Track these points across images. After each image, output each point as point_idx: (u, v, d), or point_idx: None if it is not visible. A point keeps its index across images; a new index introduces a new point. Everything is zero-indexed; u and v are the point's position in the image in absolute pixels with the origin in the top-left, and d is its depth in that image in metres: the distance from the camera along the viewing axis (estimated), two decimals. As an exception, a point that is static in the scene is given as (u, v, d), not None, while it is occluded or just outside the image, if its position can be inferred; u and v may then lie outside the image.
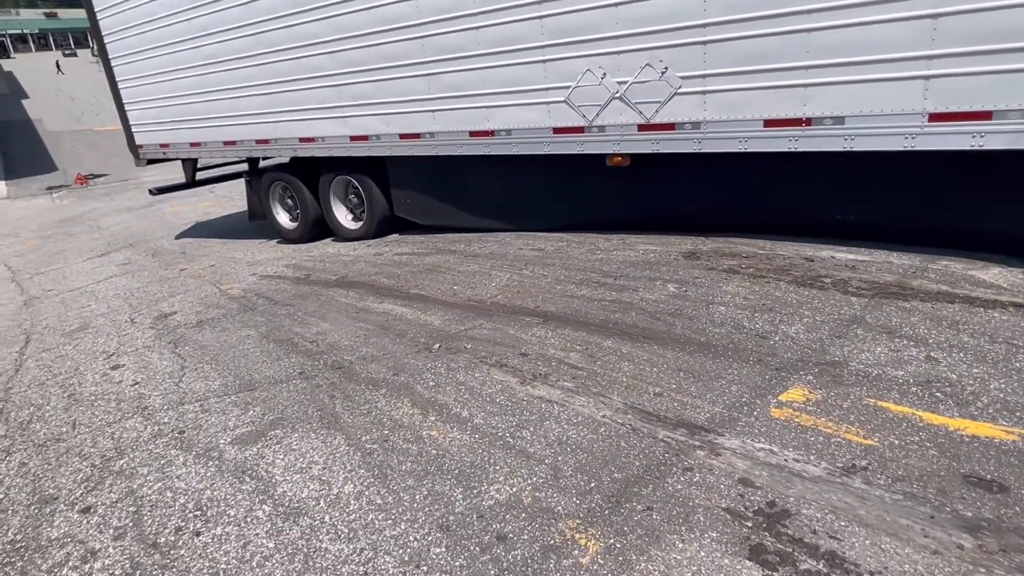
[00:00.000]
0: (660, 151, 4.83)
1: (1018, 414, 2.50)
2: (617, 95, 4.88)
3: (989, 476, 2.20)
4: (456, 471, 2.65)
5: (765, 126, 4.35)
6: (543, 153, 5.43)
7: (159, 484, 2.91)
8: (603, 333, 3.68)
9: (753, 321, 3.54)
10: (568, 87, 5.09)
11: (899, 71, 3.84)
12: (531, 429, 2.86)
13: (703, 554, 2.04)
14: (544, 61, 5.14)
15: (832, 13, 3.92)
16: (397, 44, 5.88)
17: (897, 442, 2.42)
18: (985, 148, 3.67)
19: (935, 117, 3.78)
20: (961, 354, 2.96)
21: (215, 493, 2.77)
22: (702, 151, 4.65)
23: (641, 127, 4.86)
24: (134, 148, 9.02)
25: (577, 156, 5.28)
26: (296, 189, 7.61)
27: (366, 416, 3.21)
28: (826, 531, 2.05)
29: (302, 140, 7.06)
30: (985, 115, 3.64)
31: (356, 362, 3.85)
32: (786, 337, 3.32)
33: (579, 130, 5.18)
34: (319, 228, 7.61)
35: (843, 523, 2.07)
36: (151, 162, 9.20)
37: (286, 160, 7.77)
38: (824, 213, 4.70)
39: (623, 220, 5.64)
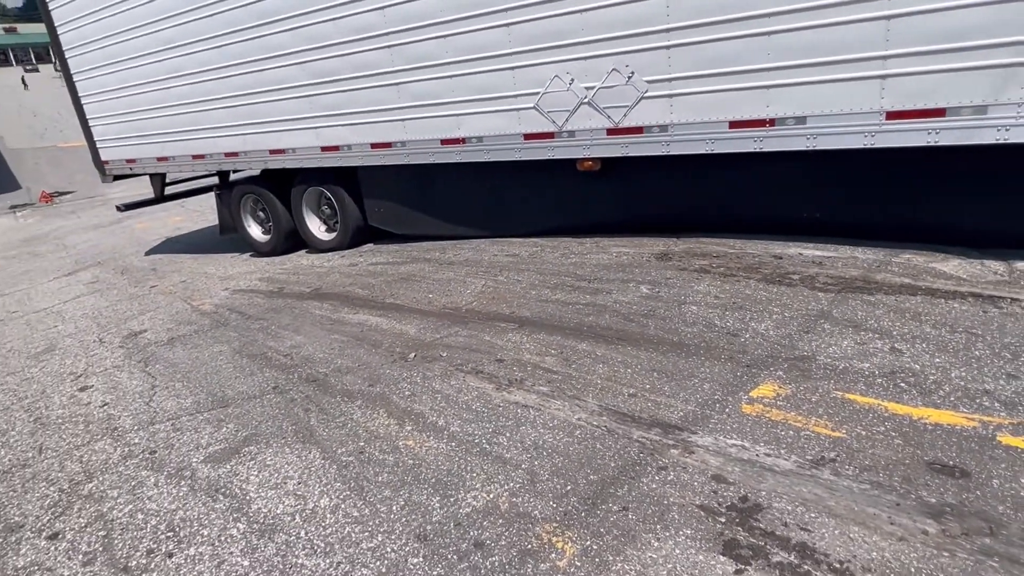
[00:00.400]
0: (629, 154, 4.88)
1: (978, 401, 2.58)
2: (585, 100, 4.93)
3: (951, 462, 2.26)
4: (433, 480, 2.64)
5: (731, 127, 4.43)
6: (514, 159, 5.45)
7: (130, 506, 2.85)
8: (578, 336, 3.70)
9: (724, 319, 3.59)
10: (537, 93, 5.13)
11: (856, 71, 3.94)
12: (507, 435, 2.86)
13: (678, 551, 2.06)
14: (513, 68, 5.18)
15: (790, 16, 4.01)
16: (366, 54, 5.87)
17: (864, 433, 2.48)
18: (940, 144, 3.79)
19: (892, 115, 3.89)
20: (924, 345, 3.04)
21: (188, 513, 2.72)
22: (670, 153, 4.72)
23: (610, 131, 4.92)
24: (100, 164, 8.85)
25: (548, 161, 5.32)
26: (268, 201, 7.53)
27: (341, 428, 3.18)
28: (797, 523, 2.09)
29: (272, 152, 7.00)
30: (939, 112, 3.76)
31: (331, 374, 3.82)
32: (756, 334, 3.37)
33: (549, 136, 5.22)
34: (292, 240, 7.54)
35: (813, 515, 2.11)
36: (118, 178, 9.03)
37: (257, 172, 7.69)
38: (792, 211, 4.79)
39: (596, 223, 5.69)
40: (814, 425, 2.56)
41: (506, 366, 3.50)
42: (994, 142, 3.64)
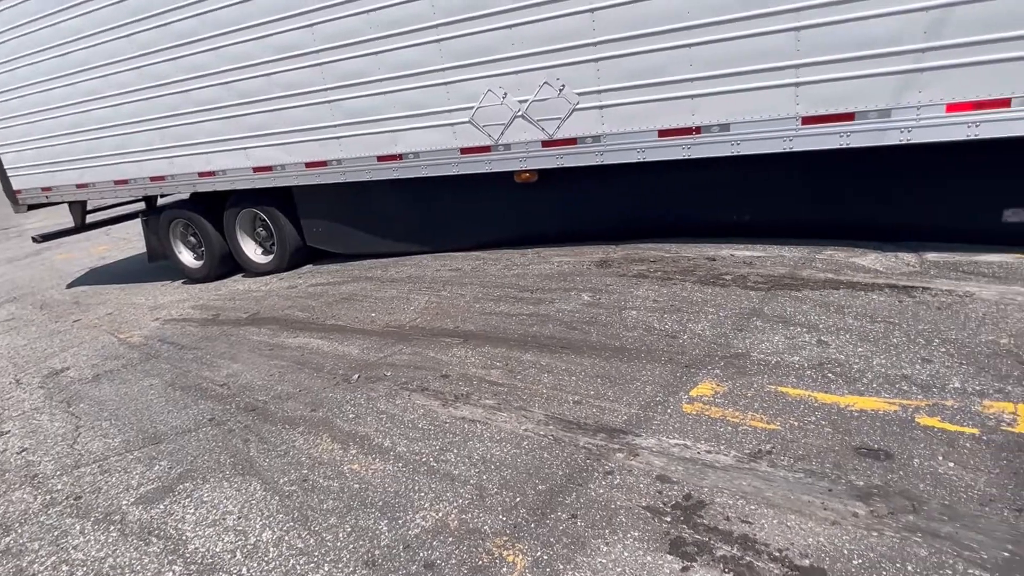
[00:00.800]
0: (565, 165, 4.97)
1: (898, 386, 2.73)
2: (519, 114, 4.99)
3: (876, 446, 2.38)
4: (380, 503, 2.58)
5: (660, 136, 4.58)
6: (452, 174, 5.46)
7: (53, 558, 2.65)
8: (522, 347, 3.71)
9: (663, 322, 3.69)
10: (471, 108, 5.16)
11: (772, 80, 4.15)
12: (455, 451, 2.83)
13: (627, 554, 2.08)
14: (446, 84, 5.19)
15: (708, 28, 4.19)
16: (295, 72, 5.77)
17: (797, 424, 2.58)
18: (851, 146, 4.03)
19: (807, 120, 4.11)
20: (847, 336, 3.21)
21: (118, 560, 2.56)
22: (604, 163, 4.83)
23: (545, 143, 4.99)
24: (11, 194, 8.31)
25: (486, 175, 5.35)
26: (199, 226, 7.24)
27: (283, 457, 3.07)
28: (738, 516, 2.15)
29: (201, 174, 6.75)
30: (849, 116, 4.00)
31: (271, 402, 3.69)
32: (694, 335, 3.47)
33: (486, 149, 5.26)
34: (227, 265, 7.27)
35: (753, 506, 2.18)
36: (33, 207, 8.50)
37: (186, 196, 7.40)
38: (723, 214, 4.98)
39: (537, 234, 5.75)
40: (751, 420, 2.66)
41: (452, 381, 3.47)
42: (898, 143, 3.90)
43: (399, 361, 3.87)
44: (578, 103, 4.75)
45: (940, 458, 2.28)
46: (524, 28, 4.73)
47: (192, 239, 7.50)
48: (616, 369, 3.26)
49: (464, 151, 5.35)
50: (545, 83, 4.80)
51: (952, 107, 3.74)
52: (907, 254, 4.17)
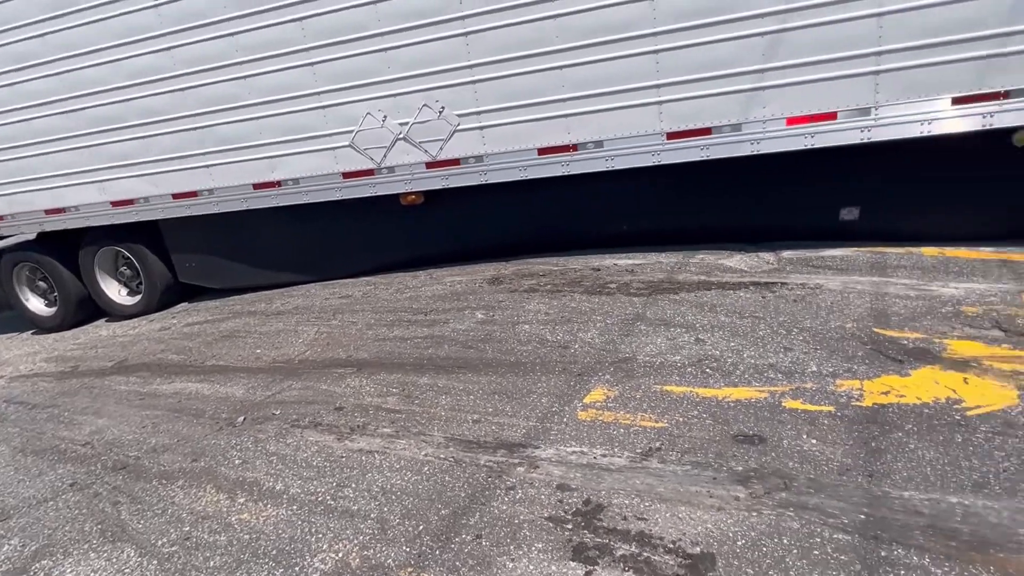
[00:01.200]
0: (450, 186, 5.00)
1: (766, 375, 2.98)
2: (401, 136, 4.97)
3: (751, 432, 2.58)
4: (274, 551, 2.42)
5: (539, 154, 4.74)
6: (336, 199, 5.31)
7: None
8: (419, 371, 3.66)
9: (555, 333, 3.79)
10: (351, 131, 5.07)
11: (639, 99, 4.44)
12: (353, 486, 2.72)
13: (532, 567, 2.09)
14: (323, 107, 5.07)
15: (577, 51, 4.42)
16: (156, 97, 5.38)
17: (682, 419, 2.74)
18: (711, 158, 4.39)
19: (671, 135, 4.44)
20: (721, 332, 3.46)
21: (-43, 662, 2.20)
22: (488, 182, 4.92)
23: (429, 165, 5.00)
24: None
25: (372, 198, 5.26)
26: (49, 269, 6.50)
27: (161, 516, 2.80)
28: (634, 514, 2.24)
29: (49, 212, 6.09)
30: (706, 131, 4.36)
31: (144, 457, 3.36)
32: (584, 343, 3.60)
33: (369, 172, 5.17)
34: (86, 310, 6.58)
35: (647, 503, 2.28)
36: None
37: (32, 236, 6.62)
38: (605, 226, 5.21)
39: (430, 255, 5.71)
40: (641, 420, 2.78)
41: (347, 413, 3.35)
42: (750, 153, 4.31)
43: (289, 398, 3.68)
44: (459, 124, 4.81)
45: (805, 436, 2.52)
46: (399, 52, 4.74)
47: (42, 284, 6.72)
48: (513, 384, 3.30)
49: (347, 175, 5.23)
50: (425, 105, 4.82)
51: (791, 120, 4.19)
52: (767, 253, 4.59)
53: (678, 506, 2.24)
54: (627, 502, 2.30)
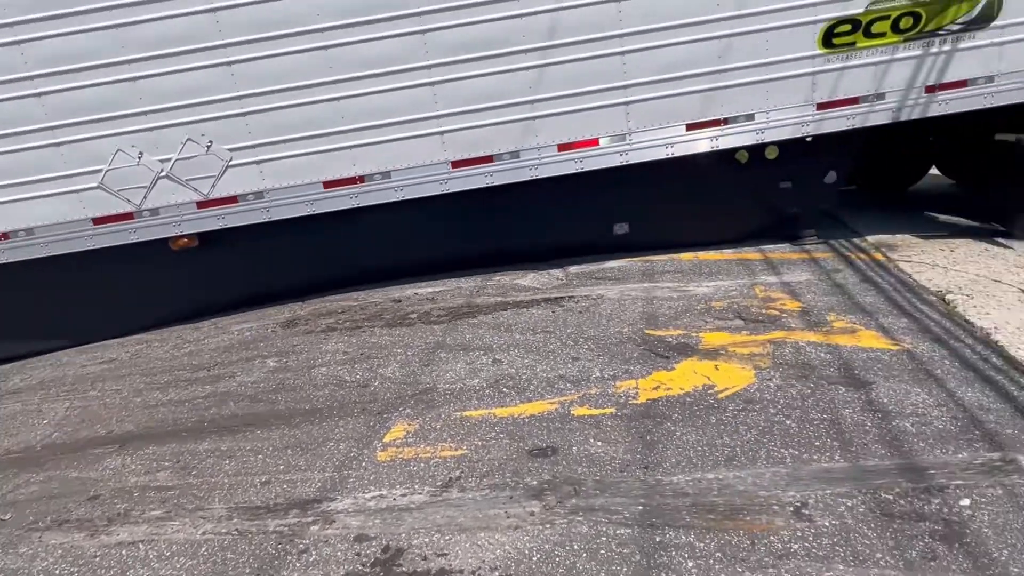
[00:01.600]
0: (228, 225, 4.59)
1: (556, 386, 3.14)
2: (163, 174, 4.44)
3: (545, 444, 2.68)
4: None
5: (326, 187, 4.56)
6: (87, 248, 4.57)
7: None
8: (197, 436, 3.23)
9: (354, 373, 3.62)
10: (100, 170, 4.41)
11: (422, 129, 4.50)
12: (109, 589, 2.28)
13: (326, 637, 1.91)
14: (58, 144, 4.35)
15: (357, 82, 4.35)
16: None
17: (480, 443, 2.75)
18: (496, 183, 4.60)
19: (456, 164, 4.55)
20: (516, 350, 3.58)
21: None
22: (273, 219, 4.60)
23: (201, 204, 4.54)
24: None
25: (135, 245, 4.61)
26: None
27: None
28: (434, 552, 2.17)
29: None
30: (488, 159, 4.56)
31: None
32: (384, 379, 3.48)
33: (127, 216, 4.54)
34: None
35: (447, 537, 2.22)
36: None
37: None
38: (405, 256, 5.13)
39: (214, 303, 5.13)
40: (441, 451, 2.74)
41: (103, 502, 2.82)
42: (530, 178, 4.59)
43: (25, 495, 3.00)
44: (231, 159, 4.44)
45: (592, 440, 2.67)
46: (152, 81, 4.26)
47: None
48: (308, 434, 3.06)
49: (99, 221, 4.53)
50: (189, 140, 4.38)
51: (562, 147, 4.55)
52: (556, 270, 4.90)
53: (478, 533, 2.22)
54: (427, 540, 2.22)
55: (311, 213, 4.60)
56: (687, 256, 4.96)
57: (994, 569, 1.86)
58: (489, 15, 4.28)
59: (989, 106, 4.51)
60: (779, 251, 4.96)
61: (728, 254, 4.95)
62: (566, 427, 2.78)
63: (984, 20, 4.37)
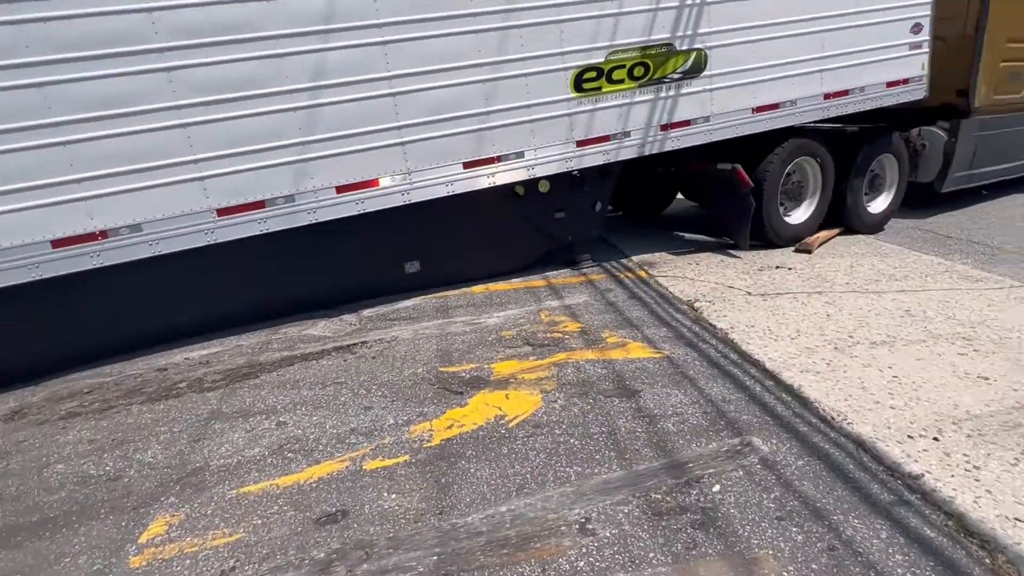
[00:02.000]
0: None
1: (348, 441, 2.95)
2: None
3: (334, 508, 2.48)
4: None
5: (55, 247, 3.84)
6: None
7: None
8: None
9: (102, 464, 3.03)
10: None
11: (176, 176, 4.02)
12: None
13: None
14: None
15: (91, 124, 3.77)
16: None
17: (260, 521, 2.45)
18: (271, 230, 4.27)
19: (223, 212, 4.15)
20: (303, 408, 3.31)
21: None
22: (-18, 289, 3.74)
23: None
24: None
25: None
26: None
27: None
28: (200, 667, 1.85)
29: None
30: (260, 204, 4.23)
31: None
32: (143, 466, 2.97)
33: None
34: None
35: (217, 644, 1.92)
36: None
37: None
38: (170, 318, 4.51)
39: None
40: (211, 540, 2.39)
41: None
42: (309, 222, 4.35)
43: None
44: (-89, 220, 3.54)
45: (385, 494, 2.54)
46: None
47: None
48: (33, 553, 2.46)
49: None
50: None
51: (341, 188, 4.40)
52: (349, 315, 4.69)
53: (255, 630, 1.95)
54: (192, 654, 1.89)
55: (36, 279, 3.83)
56: (479, 289, 5.09)
57: (740, 545, 2.11)
58: (249, 53, 4.01)
59: (708, 141, 5.39)
60: (561, 276, 5.33)
61: (516, 283, 5.19)
62: (358, 485, 2.61)
63: (696, 70, 5.23)
